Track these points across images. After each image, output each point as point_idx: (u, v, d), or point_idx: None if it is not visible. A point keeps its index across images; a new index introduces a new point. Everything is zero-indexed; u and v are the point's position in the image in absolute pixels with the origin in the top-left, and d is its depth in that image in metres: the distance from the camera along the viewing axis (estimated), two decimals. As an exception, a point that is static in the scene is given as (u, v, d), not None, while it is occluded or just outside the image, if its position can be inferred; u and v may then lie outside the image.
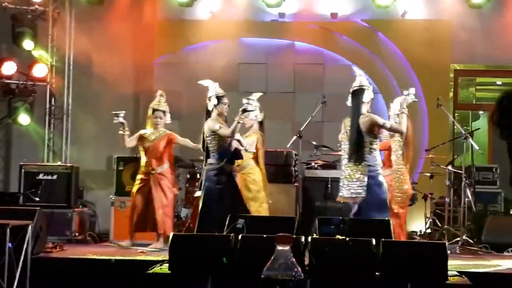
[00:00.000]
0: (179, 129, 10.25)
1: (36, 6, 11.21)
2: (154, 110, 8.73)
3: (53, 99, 11.64)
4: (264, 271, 2.19)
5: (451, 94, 11.61)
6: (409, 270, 5.77)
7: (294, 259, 2.21)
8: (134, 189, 8.68)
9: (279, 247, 2.22)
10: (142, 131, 8.75)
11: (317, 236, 6.43)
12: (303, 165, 9.86)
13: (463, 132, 9.45)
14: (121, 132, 8.50)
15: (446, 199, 9.66)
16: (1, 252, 6.35)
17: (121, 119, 8.45)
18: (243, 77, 11.72)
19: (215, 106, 7.93)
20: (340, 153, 9.92)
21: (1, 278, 6.28)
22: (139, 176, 8.70)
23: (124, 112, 8.49)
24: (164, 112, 8.75)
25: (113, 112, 8.46)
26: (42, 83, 11.36)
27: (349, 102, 7.56)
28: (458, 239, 9.11)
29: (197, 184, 9.90)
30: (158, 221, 8.51)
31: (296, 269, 2.19)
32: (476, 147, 9.42)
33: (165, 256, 6.65)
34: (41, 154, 11.42)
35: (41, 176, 9.73)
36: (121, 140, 8.55)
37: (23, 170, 9.82)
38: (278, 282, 2.15)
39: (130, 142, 8.61)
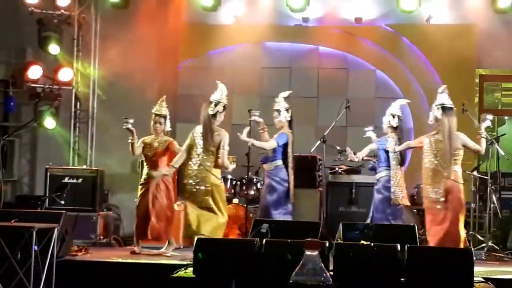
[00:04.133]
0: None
1: (62, 11, 11.28)
2: (155, 116, 8.37)
3: (78, 103, 11.71)
4: (293, 276, 2.19)
5: (476, 99, 11.52)
6: (434, 276, 5.74)
7: (322, 264, 2.22)
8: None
9: (308, 252, 2.22)
10: (144, 139, 8.43)
11: (341, 241, 6.42)
12: (327, 170, 9.83)
13: (489, 138, 9.37)
14: (129, 140, 8.27)
15: (472, 205, 9.59)
16: (27, 255, 6.41)
17: (129, 126, 8.18)
18: (267, 81, 11.72)
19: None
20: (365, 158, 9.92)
21: (27, 281, 6.34)
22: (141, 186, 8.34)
23: (132, 119, 8.25)
24: (165, 117, 8.39)
25: (124, 118, 8.24)
26: (67, 87, 11.44)
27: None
28: (484, 245, 9.04)
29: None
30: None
31: (324, 274, 2.20)
32: (501, 152, 9.35)
33: (189, 260, 6.67)
34: (67, 158, 11.49)
35: (66, 180, 9.80)
36: (130, 148, 8.34)
37: (48, 174, 9.89)
38: (307, 287, 2.16)
39: (138, 149, 8.37)
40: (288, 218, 8.19)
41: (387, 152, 8.34)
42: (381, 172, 8.39)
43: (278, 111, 8.51)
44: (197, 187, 7.96)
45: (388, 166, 8.33)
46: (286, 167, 8.32)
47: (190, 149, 8.05)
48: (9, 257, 6.43)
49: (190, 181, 8.00)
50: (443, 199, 7.68)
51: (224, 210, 8.01)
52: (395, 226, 7.05)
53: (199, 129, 8.07)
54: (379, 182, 8.36)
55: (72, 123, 11.62)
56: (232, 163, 8.21)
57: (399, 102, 8.62)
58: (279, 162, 8.31)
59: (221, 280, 5.90)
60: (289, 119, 8.50)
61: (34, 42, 11.36)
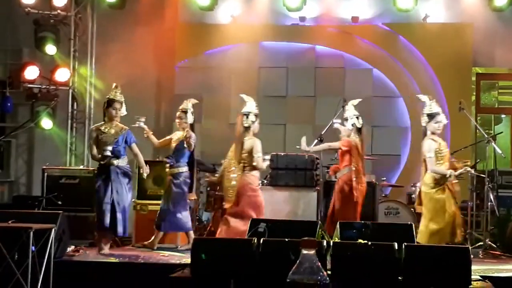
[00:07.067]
0: (199, 132, 10.28)
1: (58, 11, 11.28)
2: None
3: (75, 103, 11.73)
4: (290, 275, 2.19)
5: (473, 98, 11.54)
6: (432, 275, 5.74)
7: (319, 263, 2.21)
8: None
9: (305, 251, 2.22)
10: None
11: (339, 240, 6.42)
12: (324, 169, 9.82)
13: (486, 136, 9.40)
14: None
15: (469, 203, 9.59)
16: (24, 256, 6.39)
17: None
18: (264, 81, 11.73)
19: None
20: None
21: (25, 281, 6.33)
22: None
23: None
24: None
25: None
26: (64, 87, 11.44)
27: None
28: (481, 243, 9.06)
29: (218, 187, 9.92)
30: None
31: (321, 273, 2.19)
32: (498, 151, 9.35)
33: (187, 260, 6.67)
34: (64, 158, 11.49)
35: (63, 180, 9.79)
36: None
37: (45, 174, 9.87)
38: (303, 286, 2.15)
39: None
40: None
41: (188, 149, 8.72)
42: (183, 167, 8.72)
43: None
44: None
45: (188, 162, 8.71)
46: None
47: None
48: (7, 257, 6.42)
49: None
50: None
51: (429, 217, 8.08)
52: (392, 225, 7.04)
53: None
54: (180, 177, 8.69)
55: (69, 123, 11.63)
56: (465, 169, 8.34)
57: (192, 101, 8.91)
58: None
59: (219, 280, 5.90)
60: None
61: (31, 43, 11.35)
